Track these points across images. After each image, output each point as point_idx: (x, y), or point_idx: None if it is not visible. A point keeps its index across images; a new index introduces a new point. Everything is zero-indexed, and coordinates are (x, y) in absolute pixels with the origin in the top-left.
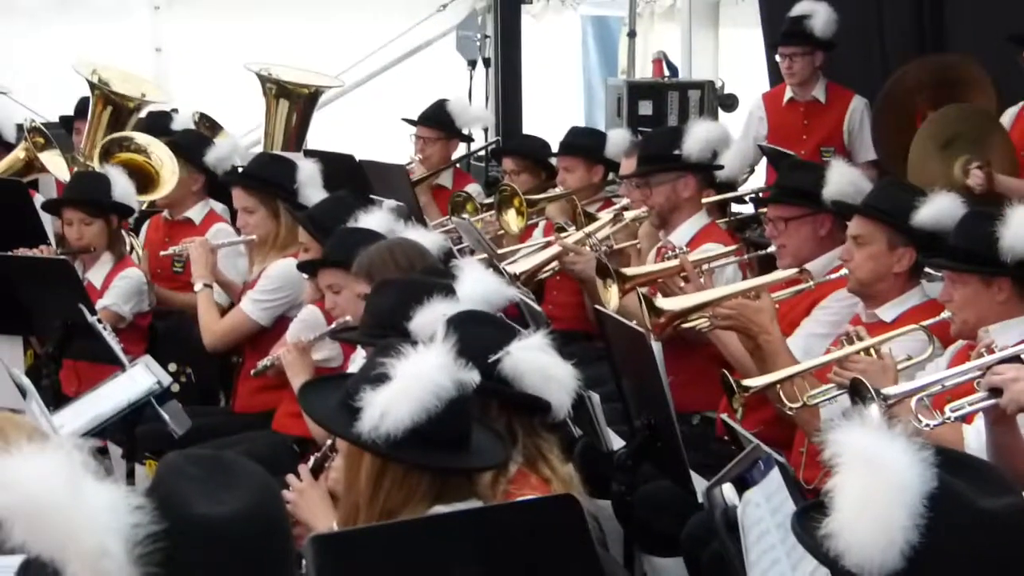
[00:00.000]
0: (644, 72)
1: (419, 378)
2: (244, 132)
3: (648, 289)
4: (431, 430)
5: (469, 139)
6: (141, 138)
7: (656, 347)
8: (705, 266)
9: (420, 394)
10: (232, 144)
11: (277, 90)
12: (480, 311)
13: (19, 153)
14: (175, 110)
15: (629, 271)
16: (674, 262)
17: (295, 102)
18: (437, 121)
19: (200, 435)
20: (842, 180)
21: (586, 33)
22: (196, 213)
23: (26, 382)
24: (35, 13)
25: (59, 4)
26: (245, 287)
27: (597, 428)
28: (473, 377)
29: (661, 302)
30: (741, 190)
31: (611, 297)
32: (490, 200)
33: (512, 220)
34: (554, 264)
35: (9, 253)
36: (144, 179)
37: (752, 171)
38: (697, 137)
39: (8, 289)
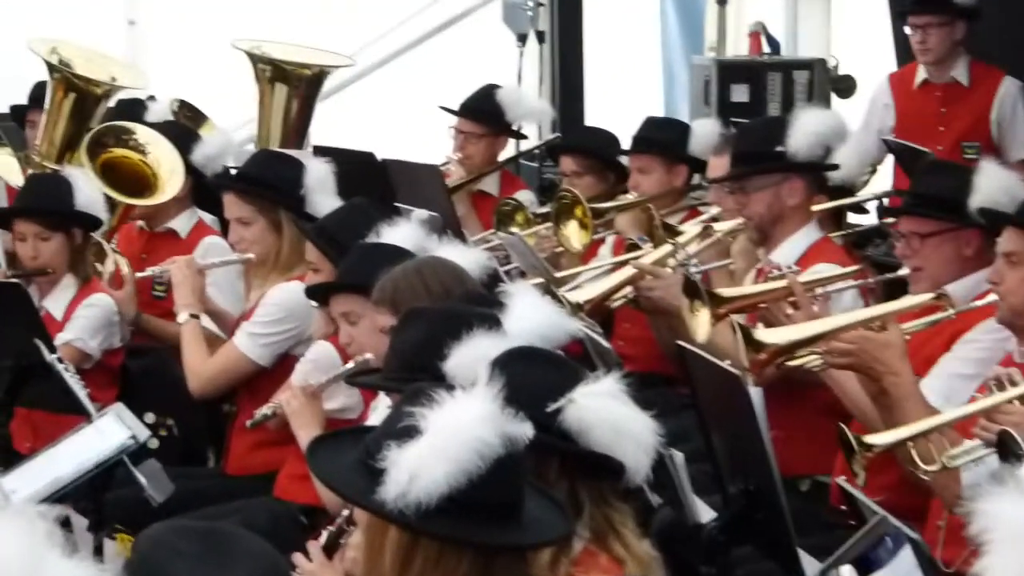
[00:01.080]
0: (738, 49)
1: (457, 432)
2: (236, 125)
3: (746, 317)
4: (473, 497)
5: (519, 135)
6: (144, 133)
7: (756, 393)
8: (818, 290)
9: (458, 452)
10: (224, 139)
11: (272, 72)
12: (534, 348)
13: None
14: (151, 97)
15: (725, 292)
16: (780, 283)
17: (295, 87)
18: (484, 113)
19: (184, 503)
20: (993, 186)
21: (665, 0)
22: (180, 224)
23: None
24: None
25: None
26: (240, 318)
27: (681, 495)
28: (525, 431)
29: (762, 334)
30: (860, 196)
31: (700, 325)
32: (546, 210)
33: (573, 235)
34: (627, 290)
35: None
36: (134, 181)
37: (874, 172)
38: (805, 130)
39: None
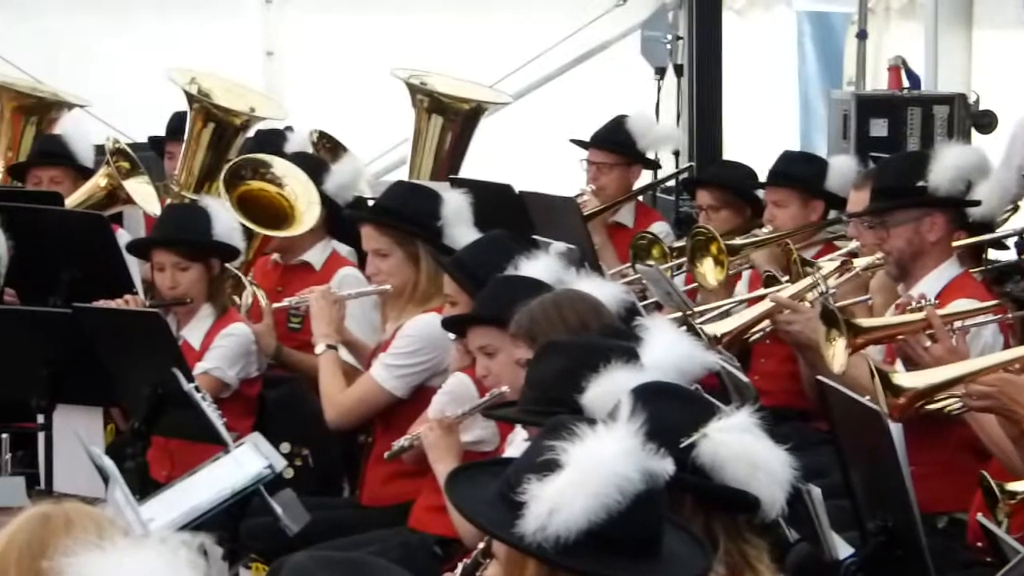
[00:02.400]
0: (877, 83)
1: (597, 467)
2: (374, 155)
3: (884, 357)
4: (612, 532)
5: (655, 165)
6: (280, 166)
7: (895, 429)
8: (957, 324)
9: (599, 487)
10: (355, 168)
11: (430, 103)
12: (672, 383)
13: (99, 180)
14: (289, 128)
15: (863, 322)
16: (918, 315)
17: (451, 119)
18: (615, 143)
19: (319, 532)
20: None
21: (803, 34)
22: (315, 256)
23: (108, 464)
24: (122, 9)
25: None
26: (377, 349)
27: (818, 531)
28: (665, 467)
29: (901, 378)
30: (1001, 231)
31: (836, 355)
32: (681, 244)
33: (709, 271)
34: (764, 324)
35: (87, 305)
36: (270, 214)
37: (1016, 208)
38: (946, 165)
39: (86, 349)
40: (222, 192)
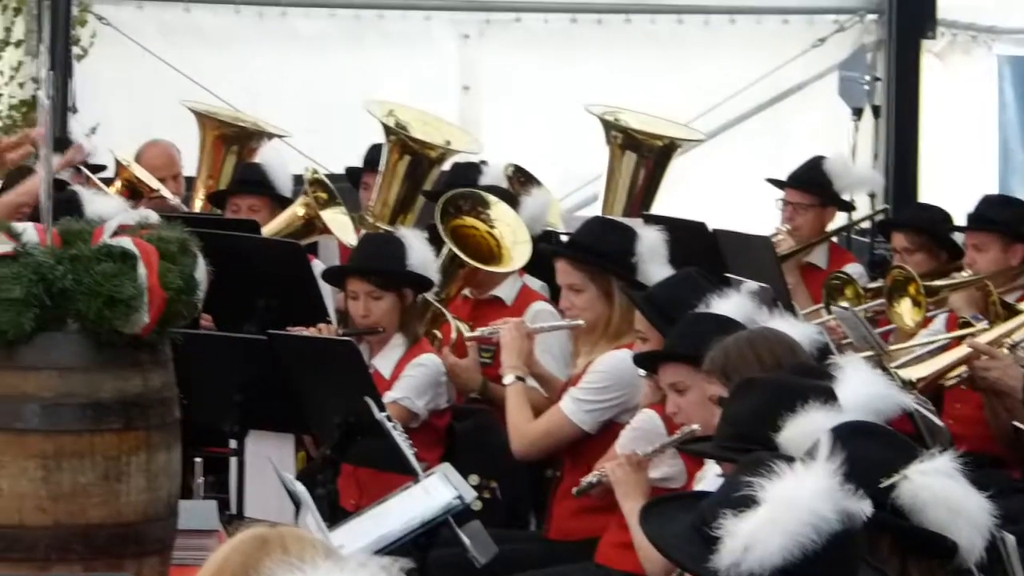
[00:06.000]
0: None
1: (794, 505)
2: (568, 191)
3: None
4: (806, 571)
5: (851, 208)
6: (498, 209)
7: None
8: None
9: (795, 526)
10: (544, 202)
11: (623, 139)
12: (872, 423)
13: (297, 210)
14: (484, 161)
15: None
16: None
17: (644, 156)
18: (812, 183)
19: (506, 566)
20: None
21: (1003, 78)
22: (506, 291)
23: (301, 490)
24: (319, 42)
25: (348, 32)
26: (568, 383)
27: None
28: (863, 507)
29: None
30: None
31: None
32: (876, 285)
33: (906, 312)
34: (961, 369)
35: (282, 332)
36: (476, 251)
37: None
38: None
39: (279, 376)
40: (436, 219)
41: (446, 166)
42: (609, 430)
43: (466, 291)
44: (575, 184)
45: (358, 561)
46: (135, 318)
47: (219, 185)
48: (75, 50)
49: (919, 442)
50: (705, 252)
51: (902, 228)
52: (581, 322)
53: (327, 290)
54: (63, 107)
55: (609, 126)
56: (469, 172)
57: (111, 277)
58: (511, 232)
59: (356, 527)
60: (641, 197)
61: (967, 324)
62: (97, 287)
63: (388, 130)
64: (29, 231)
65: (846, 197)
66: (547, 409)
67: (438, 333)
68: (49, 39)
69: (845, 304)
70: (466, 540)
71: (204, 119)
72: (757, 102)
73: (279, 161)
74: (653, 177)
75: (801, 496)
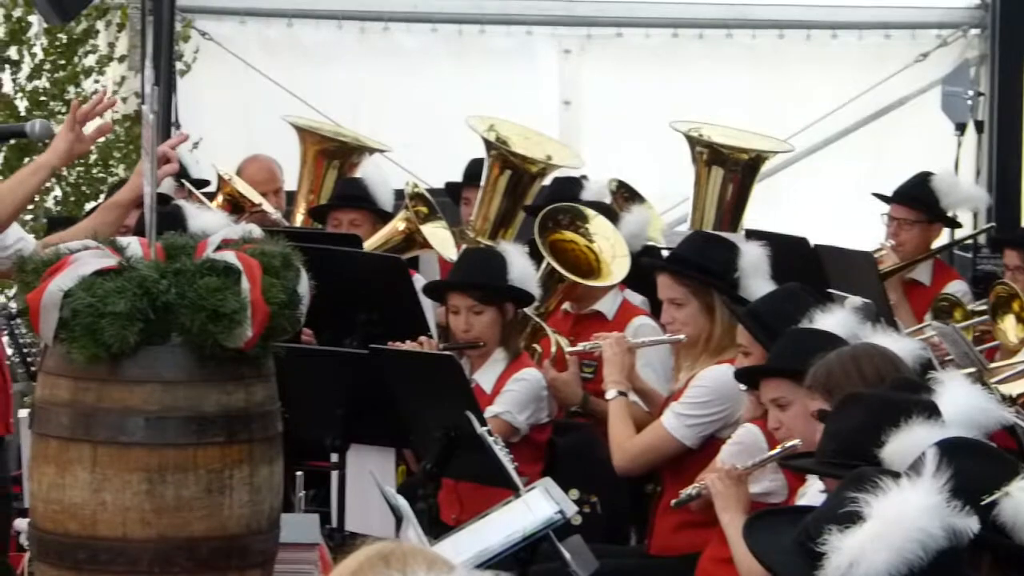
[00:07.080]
0: None
1: (901, 521)
2: (670, 205)
3: None
4: None
5: (956, 225)
6: (596, 223)
7: None
8: None
9: (902, 542)
10: (644, 217)
11: (709, 155)
12: (975, 439)
13: (398, 224)
14: (585, 177)
15: None
16: None
17: (731, 170)
18: (918, 200)
19: None
20: None
21: None
22: (607, 306)
23: (403, 504)
24: (421, 57)
25: (450, 47)
26: (669, 397)
27: None
28: (970, 525)
29: None
30: None
31: None
32: (983, 306)
33: (1010, 328)
34: None
35: (383, 346)
36: (574, 265)
37: None
38: None
39: (381, 390)
40: (536, 236)
41: (547, 181)
42: (710, 445)
43: (567, 306)
44: (675, 199)
45: (463, 573)
46: (238, 332)
47: (320, 200)
48: (178, 65)
49: (1021, 458)
50: (806, 267)
51: (1015, 246)
52: (683, 337)
53: (428, 304)
54: (167, 122)
55: (694, 142)
56: (570, 187)
57: (215, 291)
58: (610, 246)
59: (457, 541)
60: (731, 211)
61: None
62: (201, 301)
63: (489, 145)
64: (133, 245)
65: (950, 214)
66: (649, 424)
67: (538, 347)
68: (152, 54)
69: (949, 321)
70: (567, 555)
71: (305, 134)
72: (859, 117)
73: (380, 176)
74: (742, 191)
75: (908, 512)
